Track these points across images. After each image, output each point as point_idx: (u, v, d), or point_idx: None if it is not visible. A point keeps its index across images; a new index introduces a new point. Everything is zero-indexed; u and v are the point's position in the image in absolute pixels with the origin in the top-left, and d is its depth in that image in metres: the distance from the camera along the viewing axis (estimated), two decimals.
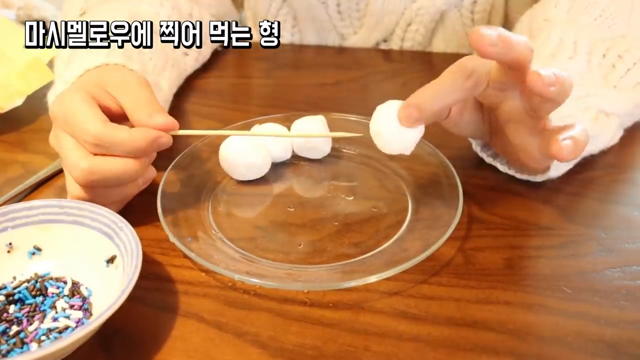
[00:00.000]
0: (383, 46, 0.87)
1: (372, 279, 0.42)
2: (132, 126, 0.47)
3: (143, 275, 0.38)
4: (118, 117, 0.48)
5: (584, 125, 0.44)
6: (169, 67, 0.66)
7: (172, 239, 0.45)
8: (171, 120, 0.47)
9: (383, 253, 0.46)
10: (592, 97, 0.52)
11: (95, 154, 0.45)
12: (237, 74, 0.82)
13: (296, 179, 0.57)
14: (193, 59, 0.76)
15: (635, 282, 0.43)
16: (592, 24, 0.58)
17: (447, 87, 0.43)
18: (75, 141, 0.46)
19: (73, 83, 0.52)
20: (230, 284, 0.43)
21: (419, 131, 0.45)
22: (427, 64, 0.83)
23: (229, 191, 0.54)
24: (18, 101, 0.67)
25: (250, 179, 0.55)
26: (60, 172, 0.58)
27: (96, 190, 0.47)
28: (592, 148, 0.54)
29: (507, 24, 0.83)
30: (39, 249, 0.45)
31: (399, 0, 0.81)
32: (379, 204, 0.52)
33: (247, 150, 0.53)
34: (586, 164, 0.56)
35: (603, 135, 0.53)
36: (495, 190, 0.53)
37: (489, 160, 0.55)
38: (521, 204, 0.51)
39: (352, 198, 0.53)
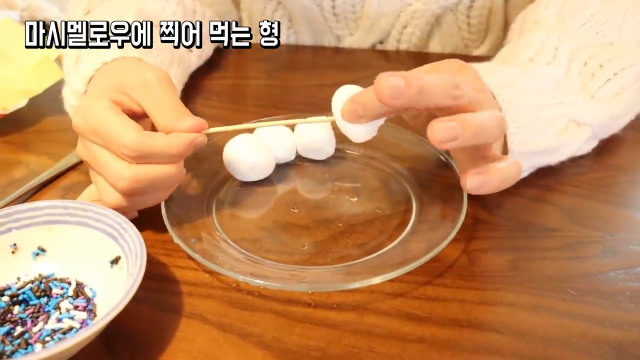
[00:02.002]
0: (379, 48, 0.87)
1: (376, 280, 0.42)
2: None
3: (147, 276, 0.38)
4: (142, 117, 0.48)
5: (543, 142, 0.46)
6: (175, 64, 0.66)
7: (177, 240, 0.45)
8: (199, 122, 0.46)
9: (387, 254, 0.46)
10: (565, 106, 0.51)
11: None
12: (238, 75, 0.82)
13: (300, 180, 0.57)
14: (196, 56, 0.76)
15: None
16: (579, 29, 0.57)
17: (394, 92, 0.39)
18: (111, 152, 0.45)
19: (91, 85, 0.51)
20: (234, 285, 0.44)
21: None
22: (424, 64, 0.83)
23: (233, 192, 0.54)
24: (22, 102, 0.67)
25: (254, 180, 0.55)
26: (63, 173, 0.58)
27: (134, 198, 0.46)
28: (553, 159, 0.52)
29: (507, 27, 0.83)
30: (43, 250, 0.45)
31: (394, 3, 0.81)
32: (383, 205, 0.52)
33: (251, 151, 0.53)
34: (591, 166, 0.56)
35: (570, 146, 0.52)
36: (500, 192, 0.53)
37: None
38: (525, 205, 0.51)
39: (356, 199, 0.53)
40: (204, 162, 0.56)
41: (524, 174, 0.52)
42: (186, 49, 0.72)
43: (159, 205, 0.48)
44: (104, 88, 0.49)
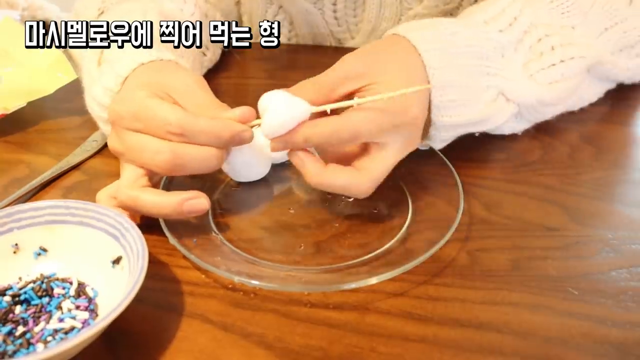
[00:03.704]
0: None
1: (373, 280, 0.42)
2: None
3: (149, 276, 0.38)
4: None
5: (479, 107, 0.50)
6: (198, 69, 0.66)
7: (172, 241, 0.45)
8: (248, 110, 0.46)
9: (384, 254, 0.46)
10: (499, 78, 0.51)
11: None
12: (240, 75, 0.82)
13: (296, 180, 0.56)
14: (208, 60, 0.77)
15: None
16: (546, 6, 0.57)
17: (285, 146, 0.46)
18: (149, 135, 0.45)
19: (126, 84, 0.51)
20: (230, 286, 0.43)
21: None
22: None
23: (229, 193, 0.54)
24: (22, 102, 0.67)
25: (251, 180, 0.55)
26: (65, 172, 0.58)
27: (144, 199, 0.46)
28: (479, 128, 0.54)
29: None
30: (44, 250, 0.45)
31: (395, 7, 0.80)
32: (379, 205, 0.52)
33: (247, 151, 0.53)
34: (592, 165, 0.56)
35: (494, 119, 0.53)
36: (501, 191, 0.53)
37: None
38: (527, 204, 0.51)
39: (352, 199, 0.53)
40: None
41: (442, 145, 0.54)
42: (200, 52, 0.73)
43: None
44: (144, 83, 0.49)
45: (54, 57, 0.70)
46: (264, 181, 0.56)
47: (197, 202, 0.45)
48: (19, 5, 1.03)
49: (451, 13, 0.80)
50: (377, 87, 0.46)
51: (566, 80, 0.55)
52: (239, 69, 0.82)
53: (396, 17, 0.81)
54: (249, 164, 0.53)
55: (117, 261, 0.42)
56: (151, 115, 0.45)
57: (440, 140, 0.52)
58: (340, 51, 0.85)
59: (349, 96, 0.46)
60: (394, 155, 0.47)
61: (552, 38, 0.54)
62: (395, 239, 0.47)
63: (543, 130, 0.59)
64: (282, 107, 0.44)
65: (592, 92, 0.62)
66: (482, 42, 0.51)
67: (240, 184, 0.55)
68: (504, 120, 0.54)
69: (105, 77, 0.52)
